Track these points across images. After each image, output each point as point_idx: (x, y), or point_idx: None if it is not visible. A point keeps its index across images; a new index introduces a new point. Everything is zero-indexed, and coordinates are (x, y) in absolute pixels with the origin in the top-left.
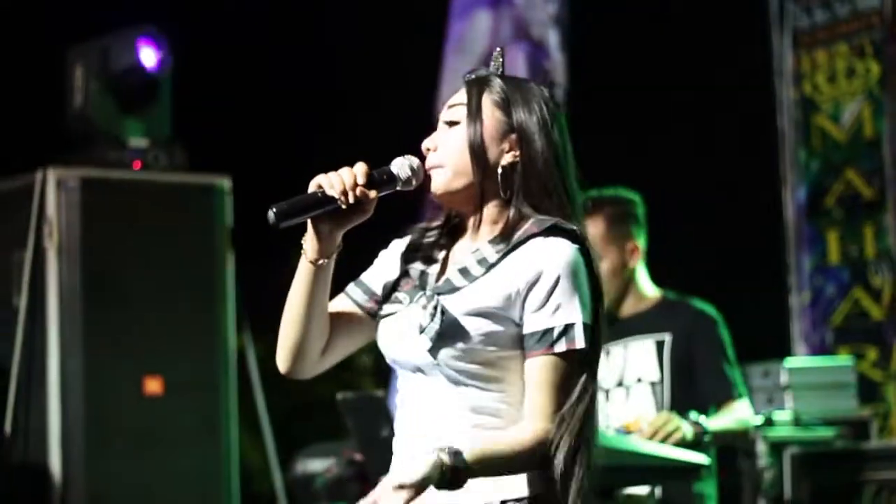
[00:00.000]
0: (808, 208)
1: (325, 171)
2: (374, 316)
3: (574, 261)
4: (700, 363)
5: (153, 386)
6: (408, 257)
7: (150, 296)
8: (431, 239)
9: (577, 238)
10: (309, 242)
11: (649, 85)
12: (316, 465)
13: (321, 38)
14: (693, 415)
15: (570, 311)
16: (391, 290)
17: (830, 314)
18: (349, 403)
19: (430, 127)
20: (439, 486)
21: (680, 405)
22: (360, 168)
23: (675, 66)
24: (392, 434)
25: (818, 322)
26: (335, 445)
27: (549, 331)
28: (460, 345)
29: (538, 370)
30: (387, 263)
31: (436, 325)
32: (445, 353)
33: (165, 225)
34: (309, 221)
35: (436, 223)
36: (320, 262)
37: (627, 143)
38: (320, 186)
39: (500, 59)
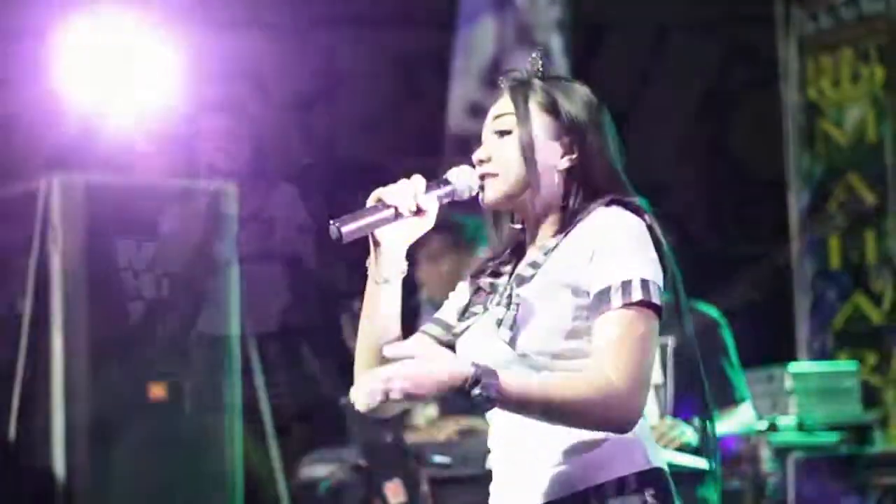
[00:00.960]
0: (810, 212)
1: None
2: (452, 348)
3: (637, 225)
4: (703, 366)
5: (157, 391)
6: (475, 280)
7: (154, 301)
8: (497, 260)
9: (639, 211)
10: (373, 262)
11: (654, 88)
12: (320, 470)
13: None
14: (696, 420)
15: (641, 266)
16: (464, 310)
17: (831, 319)
18: (353, 408)
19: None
20: (457, 399)
21: (683, 409)
22: (418, 179)
23: (680, 70)
24: (396, 440)
25: (819, 327)
26: (339, 451)
27: (625, 283)
28: (541, 329)
29: (611, 324)
30: (458, 299)
31: (512, 313)
32: (526, 341)
33: (171, 230)
34: (371, 240)
35: (499, 249)
36: (387, 280)
37: (631, 145)
38: (380, 199)
39: (540, 61)
